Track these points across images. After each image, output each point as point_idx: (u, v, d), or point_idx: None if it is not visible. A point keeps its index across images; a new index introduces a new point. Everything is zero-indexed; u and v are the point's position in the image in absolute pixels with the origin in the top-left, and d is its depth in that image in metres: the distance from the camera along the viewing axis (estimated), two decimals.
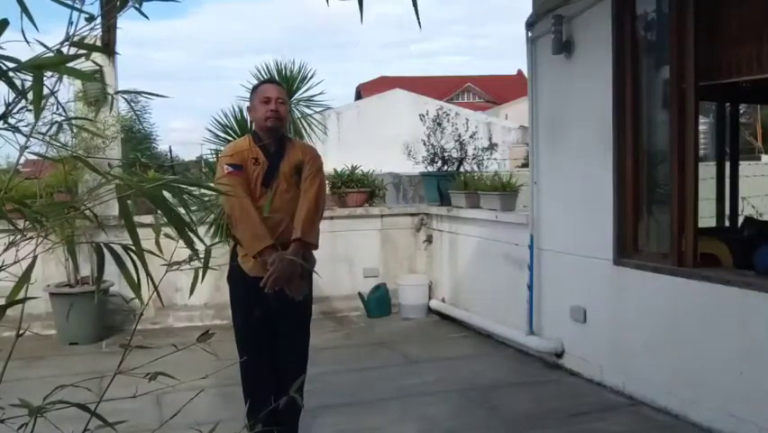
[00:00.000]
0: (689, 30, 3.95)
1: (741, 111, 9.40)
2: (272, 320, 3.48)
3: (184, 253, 1.19)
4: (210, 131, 6.88)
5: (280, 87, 3.69)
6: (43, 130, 1.20)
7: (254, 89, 3.64)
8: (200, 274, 1.18)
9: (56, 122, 1.26)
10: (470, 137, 7.20)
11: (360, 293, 7.13)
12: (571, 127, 4.90)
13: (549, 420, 4.13)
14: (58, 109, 1.26)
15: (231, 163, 3.41)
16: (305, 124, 6.79)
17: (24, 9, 0.99)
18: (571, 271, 4.96)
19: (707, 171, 5.50)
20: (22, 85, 0.99)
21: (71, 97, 6.35)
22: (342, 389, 4.71)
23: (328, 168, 7.70)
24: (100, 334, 6.23)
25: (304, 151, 3.62)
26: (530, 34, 5.30)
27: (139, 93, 1.54)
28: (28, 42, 1.03)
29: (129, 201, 1.06)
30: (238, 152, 3.44)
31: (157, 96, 1.42)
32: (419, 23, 1.12)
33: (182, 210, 1.13)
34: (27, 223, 1.11)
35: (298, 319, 3.58)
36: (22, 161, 1.27)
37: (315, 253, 3.60)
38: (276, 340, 3.55)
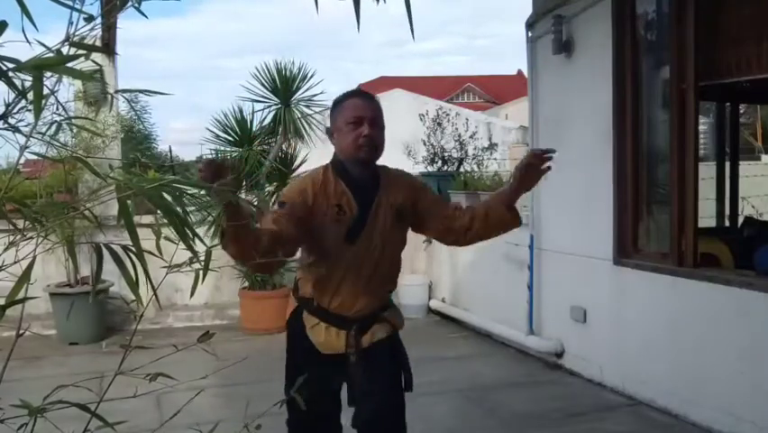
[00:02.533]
0: (689, 30, 3.95)
1: (741, 111, 9.39)
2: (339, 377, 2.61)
3: (184, 253, 1.19)
4: (210, 131, 6.89)
5: (374, 103, 2.55)
6: (43, 130, 1.20)
7: (337, 104, 2.56)
8: (200, 276, 1.18)
9: (56, 121, 1.26)
10: (471, 137, 7.21)
11: None
12: (571, 127, 4.90)
13: (549, 420, 4.13)
14: (58, 109, 1.26)
15: (281, 201, 2.44)
16: (304, 124, 6.79)
17: (24, 9, 0.99)
18: (571, 271, 4.96)
19: (707, 171, 5.49)
20: (22, 85, 0.99)
21: (71, 97, 6.35)
22: (342, 389, 4.70)
23: None
24: (100, 334, 6.23)
25: (401, 184, 2.60)
26: (530, 34, 5.30)
27: (139, 91, 1.54)
28: (29, 42, 1.03)
29: (129, 201, 1.06)
30: (296, 192, 2.45)
31: (157, 93, 1.42)
32: (413, 34, 1.11)
33: (181, 211, 1.13)
34: (27, 223, 1.11)
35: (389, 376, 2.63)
36: (22, 161, 1.27)
37: None
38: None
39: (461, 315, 6.53)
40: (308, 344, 2.56)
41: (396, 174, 2.66)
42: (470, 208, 2.60)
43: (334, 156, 2.55)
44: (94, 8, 1.10)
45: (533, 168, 2.52)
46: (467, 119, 7.49)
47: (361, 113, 2.48)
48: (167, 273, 1.21)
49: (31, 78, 0.93)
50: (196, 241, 1.15)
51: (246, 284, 6.67)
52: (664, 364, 4.15)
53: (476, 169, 7.06)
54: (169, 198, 1.08)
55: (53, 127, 1.25)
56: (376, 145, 2.49)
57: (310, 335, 2.56)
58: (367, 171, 2.54)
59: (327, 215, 2.41)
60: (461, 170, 7.03)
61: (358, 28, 1.07)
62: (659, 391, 4.18)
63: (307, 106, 6.89)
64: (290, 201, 2.40)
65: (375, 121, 2.49)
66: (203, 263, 1.16)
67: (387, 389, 2.59)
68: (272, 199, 2.49)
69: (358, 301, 2.53)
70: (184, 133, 52.01)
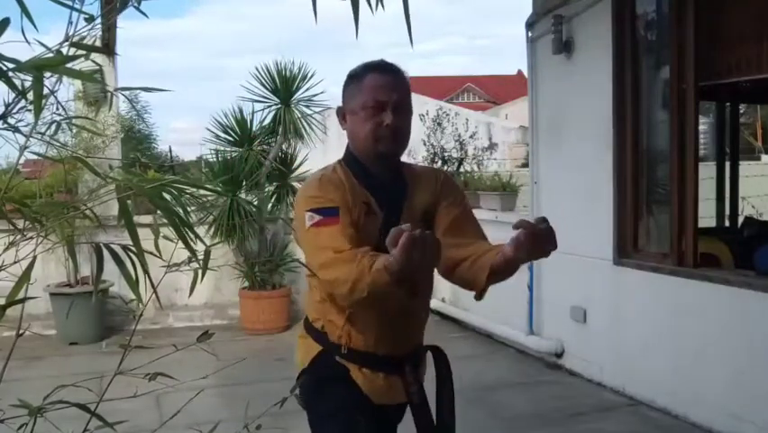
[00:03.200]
0: (689, 30, 3.95)
1: (741, 111, 9.39)
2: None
3: (184, 253, 1.19)
4: (210, 131, 6.89)
5: (402, 81, 1.95)
6: (43, 130, 1.20)
7: (353, 78, 1.95)
8: (200, 275, 1.18)
9: (55, 121, 1.26)
10: (471, 137, 7.21)
11: None
12: (572, 127, 4.90)
13: (549, 420, 4.12)
14: (57, 109, 1.26)
15: (317, 208, 1.83)
16: (304, 124, 6.79)
17: (24, 9, 0.99)
18: (571, 271, 4.96)
19: (707, 171, 5.49)
20: (22, 85, 0.99)
21: (71, 97, 6.35)
22: None
23: None
24: (100, 334, 6.23)
25: (428, 181, 2.07)
26: (530, 34, 5.30)
27: (139, 89, 1.54)
28: (28, 42, 1.03)
29: (129, 201, 1.06)
30: (328, 187, 1.89)
31: (157, 90, 1.42)
32: (411, 41, 1.10)
33: (181, 211, 1.13)
34: (27, 223, 1.11)
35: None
36: (22, 161, 1.27)
37: None
38: None
39: (461, 315, 6.53)
40: (353, 386, 1.97)
41: (422, 171, 2.15)
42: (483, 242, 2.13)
43: (347, 150, 2.00)
44: (94, 8, 1.10)
45: (539, 240, 1.86)
46: (467, 119, 7.49)
47: (383, 95, 1.88)
48: (166, 272, 1.21)
49: (31, 78, 0.93)
50: (196, 240, 1.15)
51: (246, 284, 6.67)
52: (664, 364, 4.15)
53: (476, 169, 7.06)
54: (169, 198, 1.08)
55: (53, 127, 1.25)
56: (401, 136, 1.93)
57: (355, 378, 1.97)
58: (389, 169, 1.99)
59: (351, 210, 1.87)
60: (461, 170, 7.03)
61: (356, 34, 1.05)
62: (659, 391, 4.18)
63: (307, 106, 6.88)
64: (338, 204, 1.84)
65: (401, 105, 1.90)
66: (202, 263, 1.16)
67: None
68: (307, 217, 1.81)
69: (398, 337, 2.01)
70: (184, 133, 52.06)
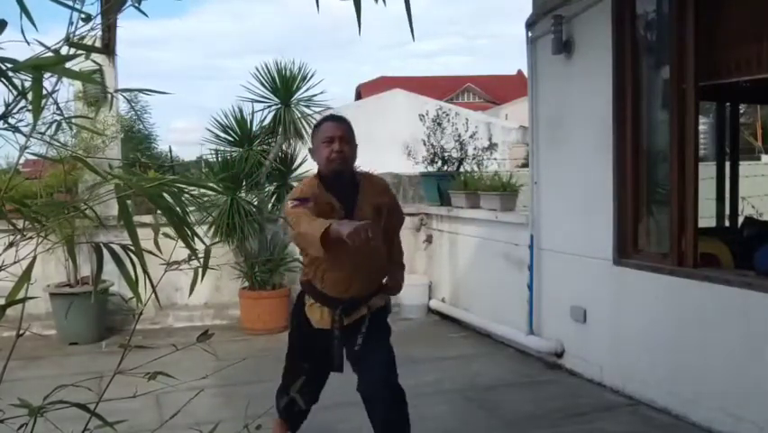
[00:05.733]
0: (689, 30, 3.95)
1: (741, 111, 9.39)
2: (331, 362, 3.24)
3: (183, 252, 1.19)
4: (210, 131, 6.89)
5: (344, 124, 3.20)
6: (43, 130, 1.20)
7: (316, 128, 3.28)
8: (200, 274, 1.18)
9: (55, 121, 1.26)
10: (471, 137, 7.20)
11: None
12: (571, 127, 4.90)
13: (549, 420, 4.12)
14: (57, 109, 1.26)
15: (298, 198, 3.05)
16: (305, 124, 6.78)
17: (24, 9, 0.99)
18: (571, 271, 4.96)
19: (707, 171, 5.50)
20: (22, 85, 0.99)
21: (71, 97, 6.35)
22: (342, 388, 4.70)
23: None
24: (100, 334, 6.23)
25: (380, 190, 3.31)
26: (530, 34, 5.30)
27: (139, 90, 1.54)
28: (28, 42, 1.03)
29: (128, 201, 1.06)
30: (306, 191, 3.11)
31: (157, 92, 1.42)
32: (413, 34, 1.12)
33: (180, 210, 1.13)
34: (27, 223, 1.11)
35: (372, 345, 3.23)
36: (22, 161, 1.27)
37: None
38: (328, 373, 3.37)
39: (461, 315, 6.53)
40: (306, 319, 3.25)
41: (378, 181, 3.36)
42: (397, 259, 3.51)
43: (318, 170, 3.21)
44: (94, 8, 1.10)
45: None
46: (467, 119, 7.47)
47: (332, 133, 3.11)
48: (165, 271, 1.21)
49: (30, 79, 0.93)
50: (196, 240, 1.15)
51: (246, 284, 6.67)
52: (664, 364, 4.15)
53: (476, 169, 7.05)
54: (168, 197, 1.08)
55: (53, 127, 1.25)
56: (346, 158, 3.11)
57: (308, 313, 3.24)
58: (343, 179, 3.14)
59: (324, 211, 3.00)
60: (461, 170, 7.03)
61: (359, 31, 1.07)
62: (659, 391, 4.18)
63: (307, 106, 6.88)
64: (310, 197, 3.03)
65: (345, 138, 3.11)
66: (202, 262, 1.16)
67: (378, 356, 3.21)
68: (289, 204, 3.10)
69: (351, 286, 3.14)
70: (184, 133, 52.08)
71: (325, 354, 3.18)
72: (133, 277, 1.10)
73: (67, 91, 6.18)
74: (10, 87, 0.98)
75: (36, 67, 0.91)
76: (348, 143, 3.12)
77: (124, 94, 1.79)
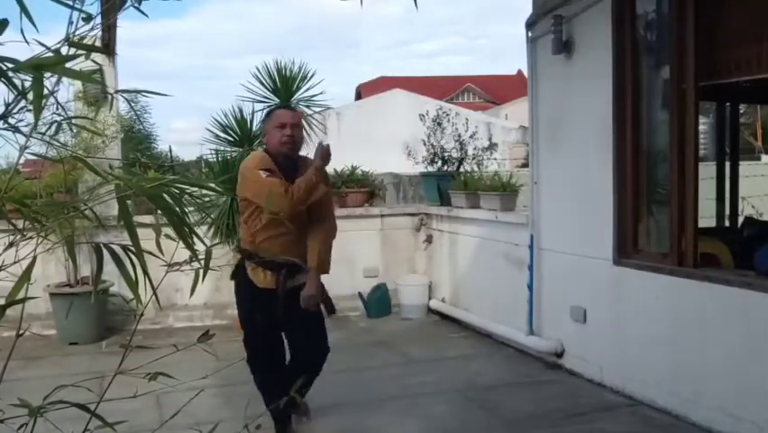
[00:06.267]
0: (689, 30, 3.95)
1: (741, 111, 9.39)
2: (278, 322, 3.72)
3: (184, 253, 1.19)
4: (210, 131, 6.88)
5: (296, 113, 3.78)
6: (43, 130, 1.20)
7: (269, 114, 3.74)
8: (200, 275, 1.18)
9: (56, 121, 1.26)
10: (471, 137, 7.20)
11: (360, 293, 7.12)
12: (571, 127, 4.90)
13: (549, 420, 4.12)
14: (58, 109, 1.26)
15: (265, 168, 3.50)
16: (305, 125, 6.78)
17: (24, 9, 0.99)
18: (571, 271, 4.96)
19: (707, 171, 5.49)
20: (23, 85, 0.99)
21: (71, 97, 6.35)
22: (343, 389, 4.71)
23: (328, 168, 7.70)
24: (100, 334, 6.23)
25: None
26: (530, 34, 5.30)
27: (139, 92, 1.54)
28: (27, 42, 1.03)
29: (129, 201, 1.06)
30: (267, 162, 3.57)
31: (157, 94, 1.42)
32: (416, 3, 1.12)
33: (180, 211, 1.13)
34: (27, 223, 1.11)
35: (307, 316, 3.74)
36: (22, 160, 1.27)
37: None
38: (281, 331, 3.83)
39: (461, 315, 6.53)
40: (249, 280, 3.66)
41: (310, 161, 3.68)
42: (323, 232, 3.69)
43: (266, 149, 3.70)
44: (94, 8, 1.10)
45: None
46: (467, 119, 7.47)
47: (284, 119, 3.57)
48: (166, 272, 1.21)
49: (30, 79, 0.93)
50: (196, 240, 1.15)
51: None
52: (664, 364, 4.15)
53: (476, 169, 7.05)
54: (168, 198, 1.08)
55: (53, 127, 1.25)
56: (295, 142, 3.61)
57: (251, 276, 3.65)
58: (290, 160, 3.61)
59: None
60: (461, 170, 7.03)
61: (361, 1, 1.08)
62: (659, 391, 4.18)
63: (307, 106, 6.88)
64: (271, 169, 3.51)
65: (295, 125, 3.62)
66: (203, 263, 1.16)
67: (309, 324, 3.74)
68: (262, 173, 3.57)
69: (287, 251, 3.57)
70: (184, 133, 52.08)
71: (270, 310, 3.62)
72: (133, 278, 1.10)
73: (67, 91, 6.19)
74: (10, 87, 0.97)
75: (36, 67, 0.91)
76: (299, 128, 3.67)
77: (125, 96, 1.79)
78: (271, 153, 3.61)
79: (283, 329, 3.78)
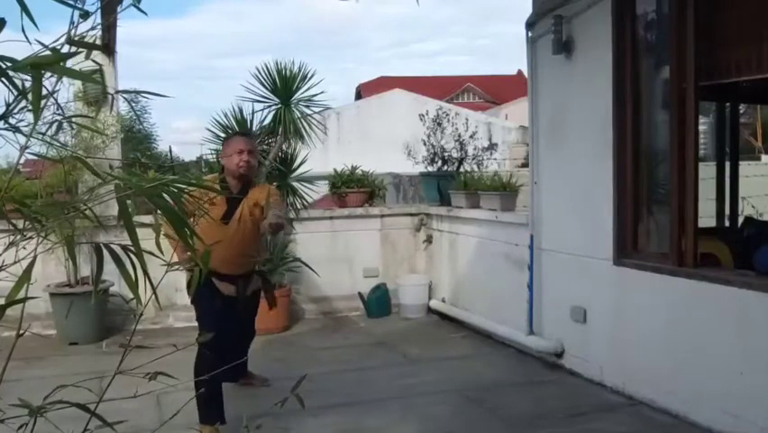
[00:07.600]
0: (689, 30, 3.95)
1: (741, 111, 9.39)
2: (234, 308, 4.14)
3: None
4: (210, 131, 6.88)
5: (252, 140, 4.35)
6: (43, 130, 1.20)
7: (227, 140, 4.34)
8: (200, 275, 1.18)
9: (56, 120, 1.26)
10: (471, 137, 7.20)
11: (360, 293, 7.13)
12: (571, 127, 4.90)
13: (549, 420, 4.12)
14: (58, 109, 1.26)
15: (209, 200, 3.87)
16: (304, 124, 6.78)
17: (24, 8, 0.99)
18: (571, 271, 4.96)
19: (707, 171, 5.49)
20: (23, 85, 0.99)
21: (71, 97, 6.34)
22: (342, 389, 4.71)
23: (328, 168, 7.71)
24: (100, 334, 6.23)
25: (263, 191, 4.13)
26: (530, 34, 5.30)
27: (139, 92, 1.54)
28: (29, 42, 1.02)
29: (128, 201, 1.06)
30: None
31: (157, 95, 1.42)
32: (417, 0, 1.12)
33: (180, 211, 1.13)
34: (27, 223, 1.11)
35: (251, 310, 4.42)
36: (22, 160, 1.27)
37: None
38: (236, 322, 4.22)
39: (461, 315, 6.52)
40: (215, 288, 4.06)
41: (262, 187, 4.23)
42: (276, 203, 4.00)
43: (221, 173, 4.16)
44: (94, 8, 1.10)
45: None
46: (467, 119, 7.47)
47: (243, 146, 4.05)
48: (166, 272, 1.21)
49: (30, 79, 0.93)
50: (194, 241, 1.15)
51: None
52: (664, 364, 4.15)
53: (476, 169, 7.05)
54: (168, 198, 1.08)
55: (53, 127, 1.25)
56: (251, 167, 4.10)
57: (217, 285, 4.06)
58: (242, 183, 4.07)
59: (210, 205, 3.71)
60: (461, 170, 7.03)
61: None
62: (659, 391, 4.18)
63: (307, 106, 6.88)
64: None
65: (252, 152, 4.08)
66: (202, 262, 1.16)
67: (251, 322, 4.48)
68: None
69: (234, 266, 4.01)
70: (184, 134, 52.10)
71: (228, 309, 4.04)
72: (133, 278, 1.10)
73: (67, 91, 6.18)
74: (10, 87, 0.97)
75: (35, 65, 0.91)
76: (254, 155, 4.12)
77: (125, 96, 1.79)
78: (227, 174, 4.08)
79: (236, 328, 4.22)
